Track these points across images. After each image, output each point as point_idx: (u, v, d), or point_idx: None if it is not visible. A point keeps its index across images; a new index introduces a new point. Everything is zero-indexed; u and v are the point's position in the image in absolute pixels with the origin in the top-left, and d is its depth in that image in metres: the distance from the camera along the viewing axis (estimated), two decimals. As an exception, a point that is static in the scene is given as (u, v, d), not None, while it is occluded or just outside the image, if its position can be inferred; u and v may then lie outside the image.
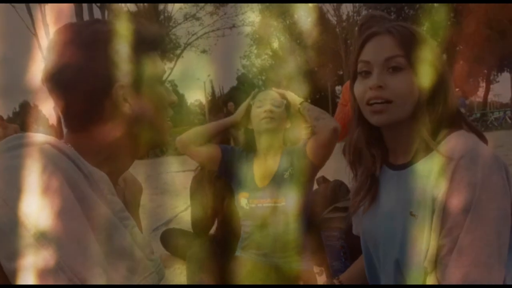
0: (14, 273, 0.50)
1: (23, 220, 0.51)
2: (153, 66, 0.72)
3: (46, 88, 0.67)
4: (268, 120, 1.60)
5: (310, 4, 21.70)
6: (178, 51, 24.65)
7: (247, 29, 26.02)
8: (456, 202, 0.76)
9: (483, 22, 18.14)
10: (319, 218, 1.67)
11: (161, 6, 23.48)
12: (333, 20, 25.19)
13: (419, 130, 0.85)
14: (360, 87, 0.88)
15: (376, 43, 0.87)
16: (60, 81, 0.66)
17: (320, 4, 23.39)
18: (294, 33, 23.41)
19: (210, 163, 1.73)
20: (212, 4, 23.43)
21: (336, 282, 1.11)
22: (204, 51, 25.75)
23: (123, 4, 21.20)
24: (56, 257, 0.51)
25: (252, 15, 24.90)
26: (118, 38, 0.67)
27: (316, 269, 1.75)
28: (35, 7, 17.01)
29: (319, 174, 1.83)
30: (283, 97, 1.67)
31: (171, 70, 23.61)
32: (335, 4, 24.05)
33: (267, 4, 23.63)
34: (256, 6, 24.29)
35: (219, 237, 1.94)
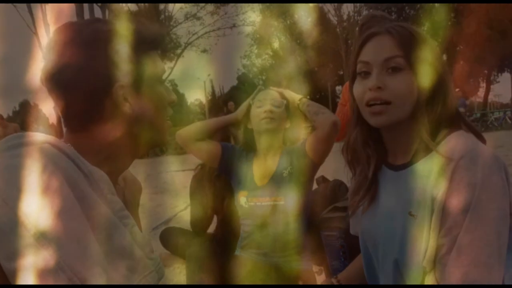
0: (14, 273, 0.50)
1: (23, 220, 0.51)
2: (153, 65, 0.72)
3: (45, 88, 0.67)
4: (268, 121, 1.60)
5: (311, 4, 21.69)
6: (178, 51, 24.65)
7: (248, 29, 26.03)
8: (456, 202, 0.76)
9: (483, 22, 18.13)
10: (319, 217, 1.67)
11: (161, 5, 23.50)
12: (334, 20, 25.21)
13: (418, 131, 0.85)
14: (359, 88, 0.88)
15: (376, 44, 0.87)
16: (60, 81, 0.66)
17: (320, 4, 23.39)
18: (294, 33, 23.41)
19: (210, 159, 1.73)
20: (212, 3, 23.43)
21: (334, 281, 1.11)
22: (204, 51, 25.76)
23: (124, 4, 21.21)
24: (56, 256, 0.51)
25: (252, 15, 24.92)
26: (118, 37, 0.66)
27: (315, 268, 1.75)
28: (36, 6, 17.03)
29: (318, 174, 1.83)
30: (283, 96, 1.67)
31: (172, 69, 23.61)
32: (335, 4, 24.05)
33: (268, 4, 23.62)
34: (256, 5, 24.29)
35: (219, 236, 1.94)
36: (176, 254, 2.24)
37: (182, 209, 3.84)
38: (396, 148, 0.92)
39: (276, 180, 1.62)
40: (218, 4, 23.67)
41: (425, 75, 0.83)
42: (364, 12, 20.60)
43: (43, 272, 0.50)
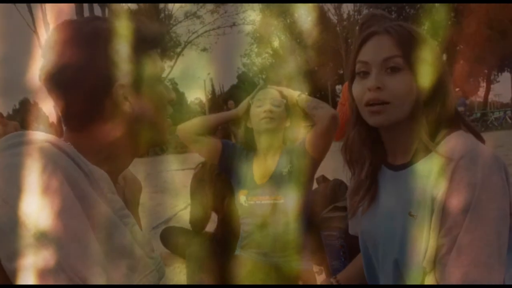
0: (14, 272, 0.50)
1: (23, 220, 0.51)
2: (153, 64, 0.72)
3: (45, 87, 0.67)
4: (268, 120, 1.60)
5: (311, 3, 21.67)
6: (178, 49, 24.65)
7: (248, 28, 26.01)
8: (456, 202, 0.76)
9: (483, 22, 18.12)
10: (319, 217, 1.67)
11: (161, 4, 23.48)
12: (334, 19, 25.19)
13: (417, 131, 0.84)
14: (358, 88, 0.88)
15: (375, 43, 0.87)
16: (59, 80, 0.65)
17: (320, 3, 23.36)
18: (294, 32, 23.38)
19: (210, 155, 1.73)
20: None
21: (333, 281, 1.11)
22: (204, 50, 25.76)
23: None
24: (56, 256, 0.50)
25: (252, 14, 24.92)
26: (118, 36, 0.66)
27: (315, 268, 1.75)
28: (36, 5, 17.02)
29: (319, 173, 1.83)
30: (283, 95, 1.67)
31: (172, 68, 23.61)
32: (335, 3, 24.04)
33: (268, 3, 23.61)
34: (256, 4, 24.27)
35: (219, 236, 1.94)
36: (176, 254, 2.25)
37: (182, 208, 3.84)
38: (396, 148, 0.92)
39: (276, 179, 1.62)
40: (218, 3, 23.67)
41: (424, 75, 0.83)
42: (364, 11, 20.59)
43: (43, 272, 0.50)
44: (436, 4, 18.15)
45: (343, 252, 1.56)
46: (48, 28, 15.73)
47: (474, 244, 0.74)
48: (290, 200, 1.58)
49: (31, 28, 17.41)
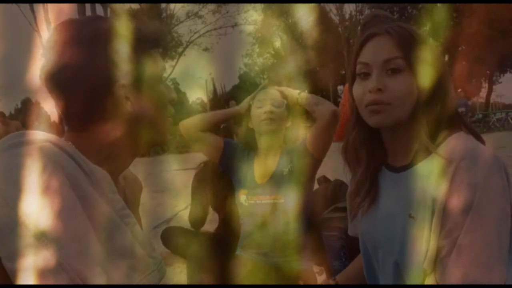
0: (15, 272, 0.50)
1: (24, 220, 0.51)
2: (154, 64, 0.71)
3: (45, 87, 0.67)
4: (268, 122, 1.60)
5: (313, 3, 21.65)
6: (180, 49, 24.65)
7: (249, 28, 25.99)
8: (457, 203, 0.76)
9: (485, 22, 18.08)
10: (320, 218, 1.67)
11: (163, 4, 23.48)
12: (336, 19, 25.17)
13: (418, 132, 0.84)
14: (359, 89, 0.88)
15: (375, 44, 0.86)
16: (60, 81, 0.65)
17: (322, 4, 23.35)
18: (296, 32, 23.36)
19: (212, 153, 1.73)
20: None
21: (331, 282, 1.11)
22: (206, 49, 25.75)
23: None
24: (57, 256, 0.50)
25: (254, 14, 24.90)
26: (119, 36, 0.66)
27: (316, 268, 1.75)
28: (38, 4, 17.04)
29: (320, 174, 1.83)
30: (283, 96, 1.67)
31: (173, 68, 23.61)
32: (337, 3, 24.02)
33: (270, 3, 23.61)
34: (258, 4, 24.26)
35: (220, 236, 1.94)
36: (177, 254, 2.25)
37: (183, 208, 3.84)
38: (396, 149, 0.92)
39: (276, 179, 1.62)
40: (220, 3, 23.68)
41: (425, 76, 0.83)
42: (366, 12, 20.57)
43: (44, 272, 0.50)
44: (438, 4, 18.12)
45: (344, 252, 1.56)
46: (50, 28, 15.75)
47: (474, 245, 0.74)
48: (290, 200, 1.58)
49: (33, 27, 17.44)
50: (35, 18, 17.43)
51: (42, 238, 0.50)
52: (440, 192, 0.78)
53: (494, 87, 24.89)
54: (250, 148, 1.72)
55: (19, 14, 17.37)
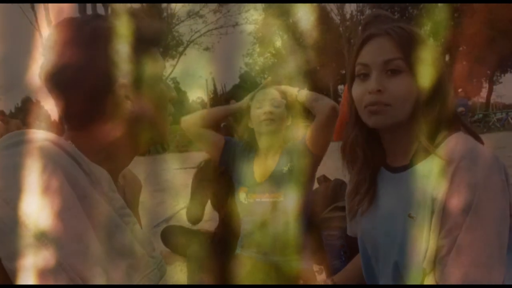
0: (15, 272, 0.49)
1: (23, 219, 0.50)
2: (154, 63, 0.71)
3: (45, 87, 0.67)
4: (268, 122, 1.60)
5: (314, 3, 21.64)
6: (180, 49, 24.67)
7: (250, 27, 26.01)
8: (456, 203, 0.76)
9: (485, 22, 18.06)
10: (320, 217, 1.67)
11: (164, 3, 23.48)
12: (337, 19, 25.16)
13: (417, 132, 0.84)
14: (358, 90, 0.88)
15: (375, 45, 0.86)
16: (60, 80, 0.65)
17: (323, 3, 23.34)
18: (297, 32, 23.34)
19: (212, 150, 1.74)
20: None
21: (329, 281, 1.11)
22: (207, 49, 25.77)
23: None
24: (57, 256, 0.50)
25: (255, 13, 24.92)
26: (119, 35, 0.66)
27: (315, 267, 1.75)
28: (39, 4, 17.04)
29: (320, 173, 1.83)
30: (283, 95, 1.67)
31: (174, 67, 23.64)
32: (338, 3, 24.00)
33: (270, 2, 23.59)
34: (259, 4, 24.27)
35: (220, 235, 1.94)
36: (177, 253, 2.25)
37: (183, 207, 3.83)
38: (395, 149, 0.92)
39: (276, 177, 1.62)
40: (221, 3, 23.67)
41: (425, 76, 0.83)
42: (367, 12, 20.57)
43: (44, 272, 0.50)
44: (439, 4, 18.10)
45: (344, 251, 1.56)
46: (51, 26, 15.72)
47: (474, 245, 0.74)
48: (290, 199, 1.58)
49: (34, 26, 17.45)
50: (36, 17, 17.44)
51: (42, 238, 0.50)
52: (440, 192, 0.78)
53: (494, 87, 24.91)
54: (251, 147, 1.72)
55: (20, 13, 17.38)
